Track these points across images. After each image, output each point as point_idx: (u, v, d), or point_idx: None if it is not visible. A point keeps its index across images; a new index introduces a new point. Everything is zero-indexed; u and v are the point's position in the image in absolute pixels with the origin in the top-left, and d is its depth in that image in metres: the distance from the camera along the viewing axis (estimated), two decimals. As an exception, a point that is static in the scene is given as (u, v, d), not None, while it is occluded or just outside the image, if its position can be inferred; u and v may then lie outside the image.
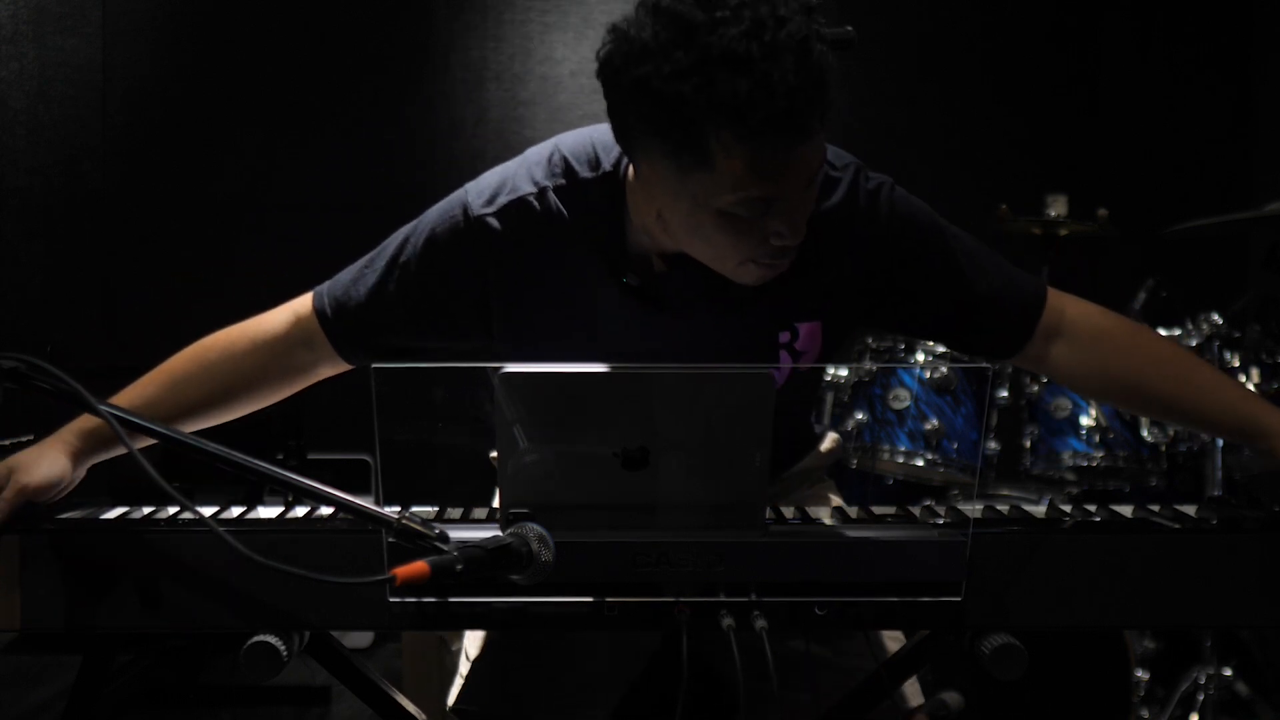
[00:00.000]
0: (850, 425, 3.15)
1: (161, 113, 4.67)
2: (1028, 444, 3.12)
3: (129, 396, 1.58)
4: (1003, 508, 1.55)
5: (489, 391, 1.26)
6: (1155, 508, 1.57)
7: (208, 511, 1.36)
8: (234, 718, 3.35)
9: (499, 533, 1.24)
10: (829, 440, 1.90)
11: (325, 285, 1.64)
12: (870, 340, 3.19)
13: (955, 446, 3.04)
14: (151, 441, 1.35)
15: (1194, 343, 3.03)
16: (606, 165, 1.54)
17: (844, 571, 1.33)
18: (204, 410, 1.60)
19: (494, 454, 1.50)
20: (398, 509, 1.32)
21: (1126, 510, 1.53)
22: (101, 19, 4.61)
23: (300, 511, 1.51)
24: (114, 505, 1.55)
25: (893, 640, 1.72)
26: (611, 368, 1.28)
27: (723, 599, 1.31)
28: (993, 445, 3.18)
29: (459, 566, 1.17)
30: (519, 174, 1.57)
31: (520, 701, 1.71)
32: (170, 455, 1.42)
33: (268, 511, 1.51)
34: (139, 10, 4.64)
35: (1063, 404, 3.11)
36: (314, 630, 1.40)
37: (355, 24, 4.72)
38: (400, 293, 1.59)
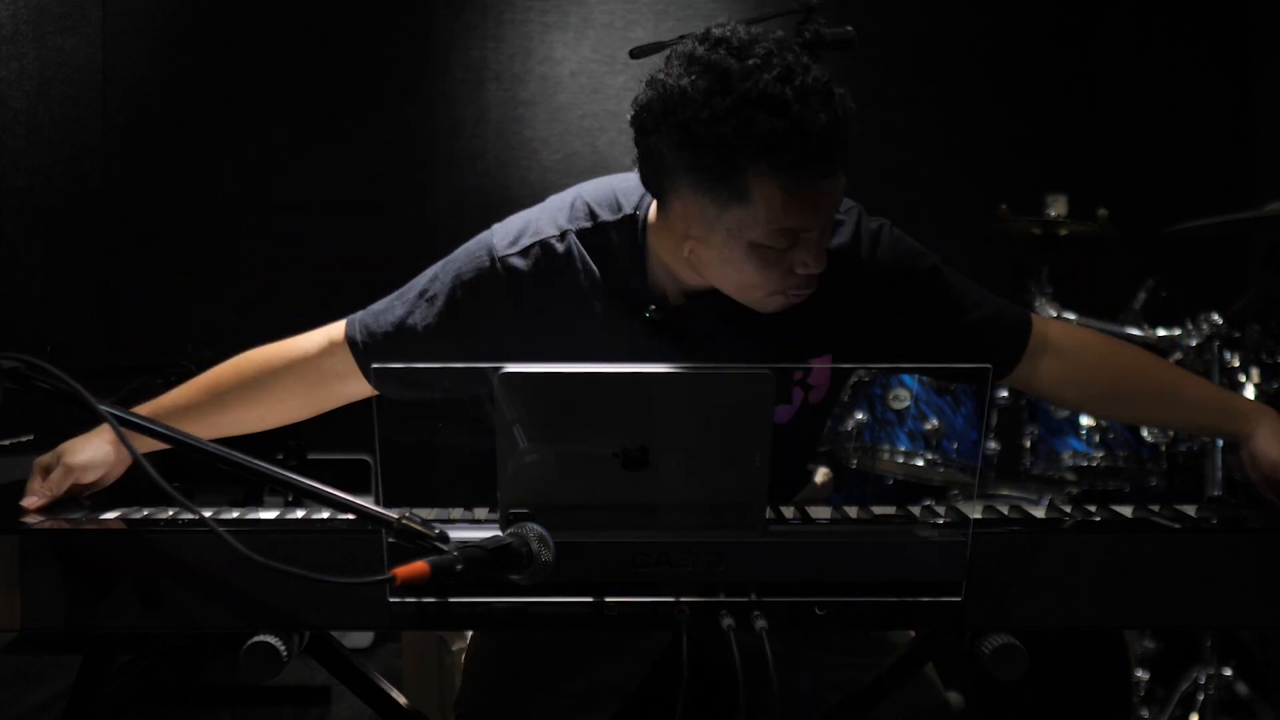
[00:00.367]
0: (850, 425, 3.15)
1: (161, 113, 4.67)
2: (1028, 444, 3.11)
3: (170, 400, 1.67)
4: (1003, 508, 1.56)
5: (489, 391, 1.26)
6: (1155, 508, 1.57)
7: (208, 511, 1.36)
8: (234, 718, 3.35)
9: (499, 533, 1.24)
10: (821, 474, 1.96)
11: (359, 314, 1.73)
12: (863, 374, 3.18)
13: (955, 446, 3.04)
14: (164, 446, 1.39)
15: (1194, 343, 3.03)
16: (627, 209, 1.65)
17: (844, 571, 1.33)
18: (237, 420, 1.70)
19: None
20: (398, 509, 1.32)
21: (1126, 510, 1.53)
22: (101, 19, 4.61)
23: (300, 511, 1.51)
24: (114, 505, 1.55)
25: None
26: (611, 368, 1.29)
27: (723, 599, 1.31)
28: (993, 445, 3.18)
29: (459, 566, 1.17)
30: (542, 218, 1.68)
31: (521, 707, 1.71)
32: (170, 455, 1.43)
33: (268, 511, 1.51)
34: (139, 10, 4.64)
35: (1063, 404, 3.11)
36: (314, 630, 1.40)
37: (355, 24, 4.72)
38: (425, 327, 1.68)
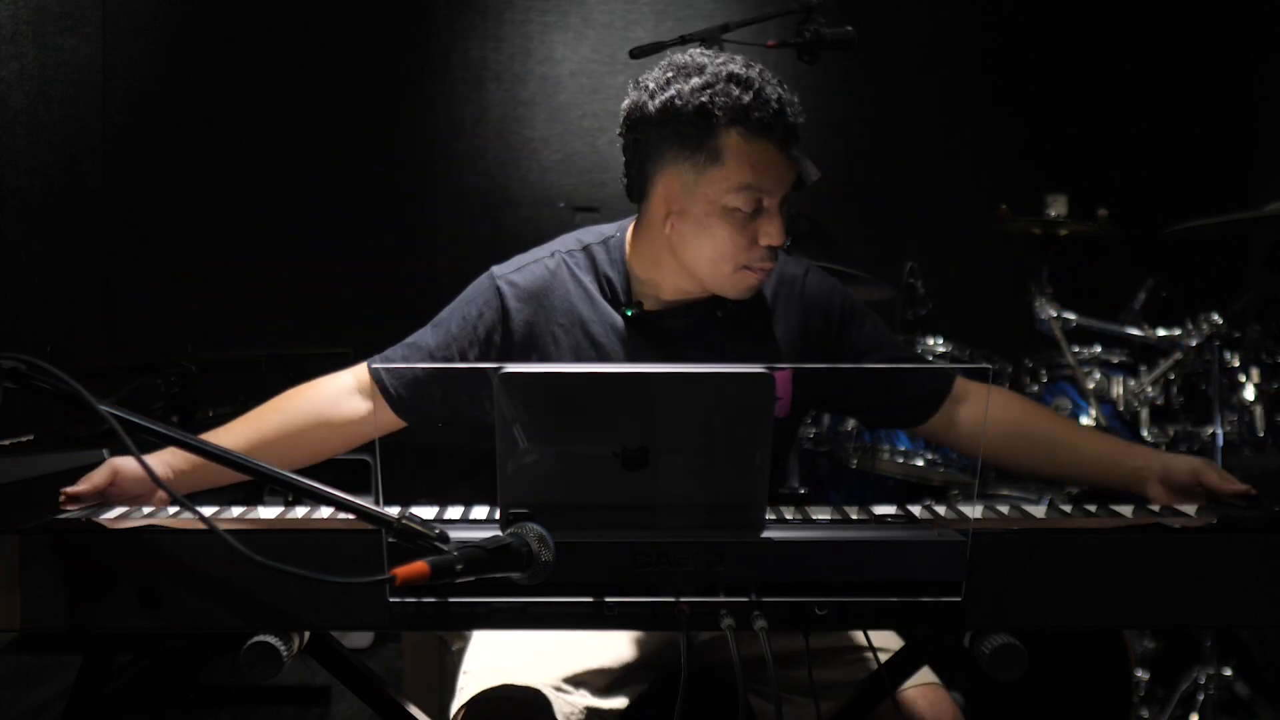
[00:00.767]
0: (850, 425, 3.16)
1: (161, 113, 4.68)
2: (1028, 444, 3.11)
3: (226, 430, 1.81)
4: (1003, 508, 1.56)
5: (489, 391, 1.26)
6: (1155, 508, 1.57)
7: (208, 511, 1.36)
8: (234, 718, 3.35)
9: (499, 533, 1.24)
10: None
11: (381, 353, 1.91)
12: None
13: (955, 447, 3.03)
14: (244, 478, 1.46)
15: (1194, 343, 3.03)
16: (612, 234, 1.93)
17: (844, 571, 1.33)
18: (279, 451, 1.80)
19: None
20: (397, 509, 1.32)
21: (1126, 510, 1.53)
22: (101, 19, 4.61)
23: (300, 511, 1.51)
24: (114, 505, 1.55)
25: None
26: (611, 368, 1.29)
27: (723, 599, 1.32)
28: (993, 445, 3.17)
29: (459, 566, 1.17)
30: (538, 251, 1.94)
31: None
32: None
33: (268, 511, 1.51)
34: (139, 10, 4.65)
35: (1063, 404, 3.11)
36: (314, 630, 1.40)
37: (355, 24, 4.72)
38: (435, 343, 1.87)
